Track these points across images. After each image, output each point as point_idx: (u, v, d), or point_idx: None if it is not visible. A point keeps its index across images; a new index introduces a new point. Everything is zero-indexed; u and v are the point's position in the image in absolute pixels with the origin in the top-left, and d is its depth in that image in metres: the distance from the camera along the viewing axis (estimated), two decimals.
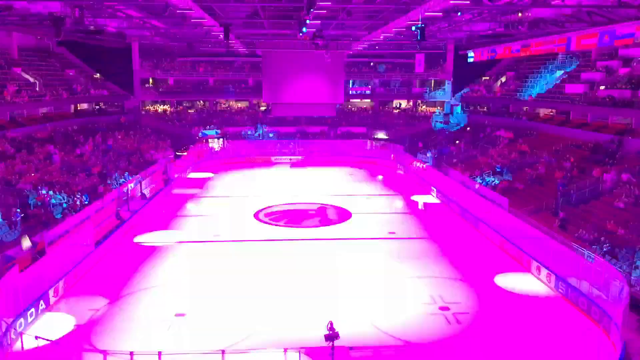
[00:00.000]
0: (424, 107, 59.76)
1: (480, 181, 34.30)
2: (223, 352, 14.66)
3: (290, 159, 48.53)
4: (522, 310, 18.81)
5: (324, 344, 13.35)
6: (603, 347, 15.66)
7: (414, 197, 36.32)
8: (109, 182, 33.31)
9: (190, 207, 33.69)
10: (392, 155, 47.82)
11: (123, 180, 33.31)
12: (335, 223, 29.94)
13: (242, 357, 14.96)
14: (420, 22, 23.70)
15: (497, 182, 33.48)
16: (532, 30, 30.81)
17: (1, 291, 15.94)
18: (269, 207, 33.20)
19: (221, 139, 51.18)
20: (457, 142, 46.93)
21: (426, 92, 58.63)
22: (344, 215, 31.59)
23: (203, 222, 30.00)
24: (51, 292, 18.77)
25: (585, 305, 18.17)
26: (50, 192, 27.54)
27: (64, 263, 20.41)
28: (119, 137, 44.79)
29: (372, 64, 60.08)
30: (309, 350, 14.79)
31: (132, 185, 32.85)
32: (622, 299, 15.93)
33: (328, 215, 31.65)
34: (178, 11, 24.37)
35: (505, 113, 47.12)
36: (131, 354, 14.32)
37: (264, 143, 51.19)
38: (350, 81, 57.64)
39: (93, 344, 16.08)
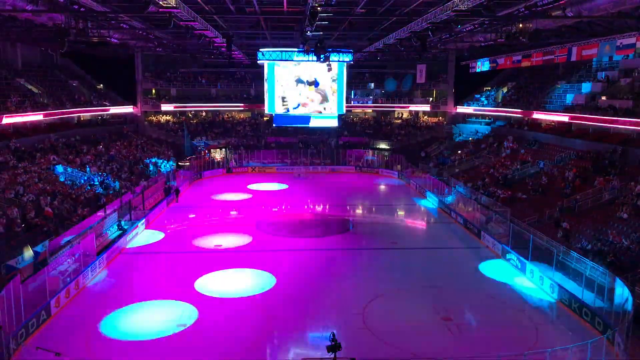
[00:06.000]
0: (425, 117, 59.92)
1: (483, 192, 34.31)
2: None
3: (299, 175, 48.27)
4: (526, 320, 18.71)
5: (326, 355, 13.27)
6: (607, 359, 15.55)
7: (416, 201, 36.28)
8: (111, 192, 33.43)
9: (191, 216, 33.69)
10: (399, 166, 47.77)
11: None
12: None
13: None
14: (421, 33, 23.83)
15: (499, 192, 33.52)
16: (534, 41, 30.96)
17: (3, 301, 15.91)
18: (270, 216, 33.24)
19: (224, 149, 51.24)
20: (459, 152, 47.05)
21: (428, 102, 58.81)
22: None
23: (203, 231, 29.95)
24: (53, 302, 18.73)
25: (589, 316, 18.08)
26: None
27: (66, 273, 20.39)
28: (122, 147, 44.98)
29: (366, 74, 60.33)
30: None
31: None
32: (626, 309, 15.85)
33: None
34: (181, 23, 24.56)
35: (507, 123, 47.24)
36: None
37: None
38: (352, 91, 57.91)
39: (93, 353, 16.00)
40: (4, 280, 17.89)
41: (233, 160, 50.33)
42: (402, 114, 60.85)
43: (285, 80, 50.50)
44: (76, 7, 23.88)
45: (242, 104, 58.67)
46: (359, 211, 36.79)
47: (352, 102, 57.55)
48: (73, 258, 21.47)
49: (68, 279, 20.57)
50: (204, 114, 59.86)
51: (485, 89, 55.05)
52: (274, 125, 53.48)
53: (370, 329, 17.90)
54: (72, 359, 14.73)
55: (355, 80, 59.28)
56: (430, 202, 37.43)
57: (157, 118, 58.26)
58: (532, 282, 22.09)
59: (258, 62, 49.42)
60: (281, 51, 47.07)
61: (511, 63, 38.88)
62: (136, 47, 47.95)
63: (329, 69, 49.75)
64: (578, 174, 31.57)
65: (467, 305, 20.00)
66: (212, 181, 45.69)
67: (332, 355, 12.89)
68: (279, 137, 55.27)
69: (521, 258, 23.27)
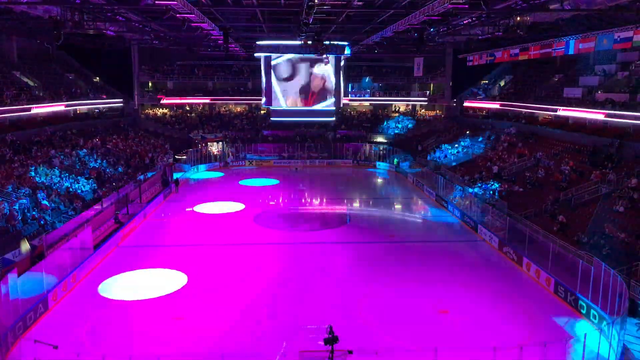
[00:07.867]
0: (423, 110, 59.87)
1: (480, 185, 34.35)
2: (222, 356, 14.64)
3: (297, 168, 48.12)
4: (522, 312, 18.80)
5: (324, 347, 13.33)
6: (602, 351, 15.66)
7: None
8: (108, 185, 33.37)
9: (189, 210, 33.66)
10: (396, 160, 47.72)
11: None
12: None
13: None
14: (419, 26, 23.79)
15: (496, 185, 33.53)
16: (531, 35, 30.93)
17: (0, 295, 15.92)
18: (268, 210, 33.28)
19: (220, 143, 51.13)
20: (455, 145, 47.05)
21: (425, 95, 58.70)
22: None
23: (202, 226, 29.97)
24: (50, 296, 18.73)
25: (585, 308, 18.19)
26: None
27: (63, 267, 20.39)
28: (118, 140, 44.82)
29: (364, 68, 60.16)
30: (309, 355, 14.75)
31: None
32: (621, 302, 15.95)
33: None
34: (178, 15, 24.41)
35: (504, 117, 47.20)
36: (130, 359, 14.29)
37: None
38: (349, 85, 57.79)
39: (90, 348, 16.04)
40: (1, 274, 17.89)
41: (230, 154, 50.26)
42: (399, 108, 60.75)
43: (282, 73, 50.37)
44: None
45: (239, 97, 58.54)
46: (356, 204, 36.83)
47: (349, 95, 57.44)
48: (70, 251, 21.43)
49: (65, 273, 20.55)
50: (200, 107, 59.66)
51: (482, 82, 54.97)
52: (271, 118, 53.33)
53: (368, 322, 17.98)
54: (69, 353, 14.75)
55: (353, 74, 59.12)
56: (426, 194, 37.50)
57: (153, 111, 58.03)
58: (528, 274, 22.23)
59: (255, 55, 49.22)
60: (278, 44, 46.90)
61: (509, 56, 38.78)
62: (132, 39, 47.67)
63: (326, 62, 49.62)
64: (575, 167, 31.63)
65: (464, 298, 20.08)
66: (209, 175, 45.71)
67: (330, 348, 12.95)
68: (276, 130, 55.17)
69: (518, 250, 23.40)
